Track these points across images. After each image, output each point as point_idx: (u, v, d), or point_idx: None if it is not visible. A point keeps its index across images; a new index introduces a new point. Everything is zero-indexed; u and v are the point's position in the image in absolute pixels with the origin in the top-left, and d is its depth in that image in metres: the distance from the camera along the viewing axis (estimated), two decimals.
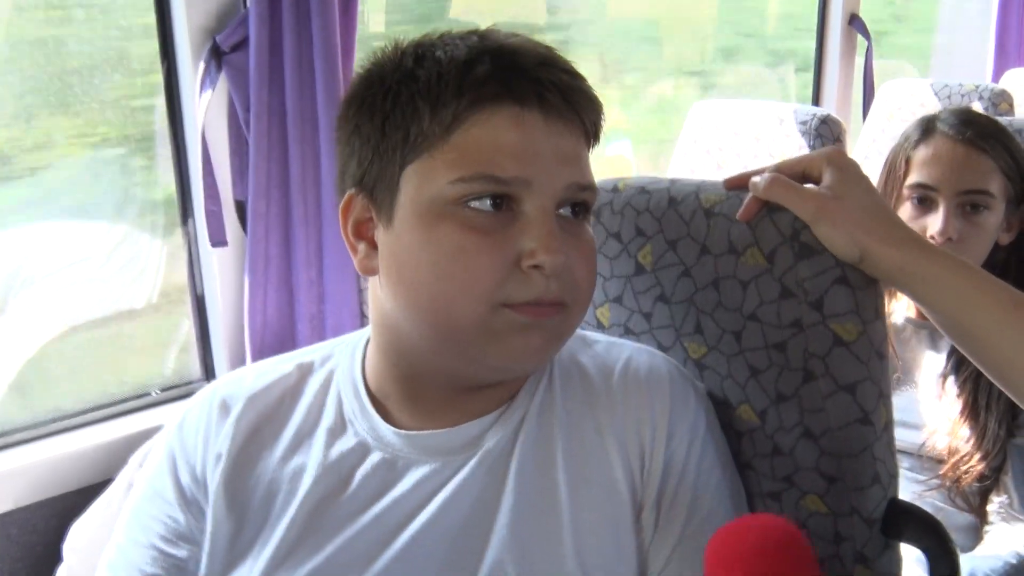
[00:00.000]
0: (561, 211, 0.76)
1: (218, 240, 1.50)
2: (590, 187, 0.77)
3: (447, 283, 0.73)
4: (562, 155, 0.75)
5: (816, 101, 2.87)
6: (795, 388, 0.82)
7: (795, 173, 0.83)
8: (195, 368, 1.67)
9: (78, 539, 1.29)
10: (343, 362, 0.87)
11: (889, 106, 2.37)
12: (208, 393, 0.87)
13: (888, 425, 0.83)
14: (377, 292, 0.80)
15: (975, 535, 1.32)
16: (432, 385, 0.80)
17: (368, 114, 0.76)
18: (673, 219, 0.88)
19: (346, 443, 0.82)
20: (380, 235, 0.77)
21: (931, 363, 1.39)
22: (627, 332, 0.95)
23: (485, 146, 0.72)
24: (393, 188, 0.75)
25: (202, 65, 1.43)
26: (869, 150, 2.38)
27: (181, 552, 0.82)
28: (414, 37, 0.78)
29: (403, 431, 0.81)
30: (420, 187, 0.74)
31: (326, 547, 0.78)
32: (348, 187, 0.79)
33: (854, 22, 2.78)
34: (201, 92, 1.43)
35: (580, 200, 0.77)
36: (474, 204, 0.73)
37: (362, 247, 0.79)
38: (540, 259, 0.72)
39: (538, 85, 0.73)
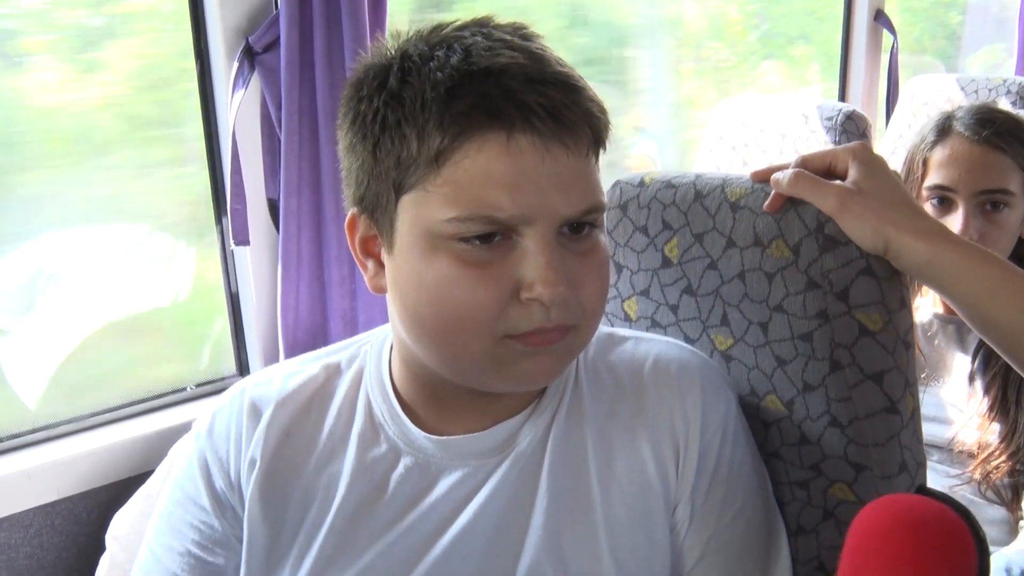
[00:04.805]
0: (565, 230, 0.73)
1: (241, 239, 1.51)
2: (594, 208, 0.73)
3: (448, 317, 0.72)
4: (560, 181, 0.71)
5: (842, 97, 2.87)
6: (822, 378, 0.83)
7: (821, 167, 0.84)
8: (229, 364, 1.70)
9: (120, 528, 1.32)
10: (370, 364, 0.86)
11: (915, 101, 2.36)
12: (237, 396, 0.86)
13: (915, 413, 0.84)
14: (391, 306, 0.79)
15: (1008, 529, 1.32)
16: (455, 393, 0.80)
17: (360, 135, 0.74)
18: (699, 212, 0.90)
19: (378, 448, 0.82)
20: (385, 256, 0.77)
21: (959, 359, 1.39)
22: (654, 325, 0.97)
23: (477, 180, 0.69)
24: (391, 214, 0.74)
25: (235, 65, 1.46)
26: (896, 145, 2.37)
27: (218, 559, 0.83)
28: (407, 35, 0.75)
29: (434, 436, 0.81)
30: (416, 218, 0.72)
31: (365, 555, 0.79)
32: (351, 204, 0.78)
33: (879, 18, 2.77)
34: (234, 92, 1.46)
35: (585, 221, 0.74)
36: (469, 238, 0.71)
37: (370, 264, 0.79)
38: (538, 292, 0.70)
39: (525, 110, 0.68)
